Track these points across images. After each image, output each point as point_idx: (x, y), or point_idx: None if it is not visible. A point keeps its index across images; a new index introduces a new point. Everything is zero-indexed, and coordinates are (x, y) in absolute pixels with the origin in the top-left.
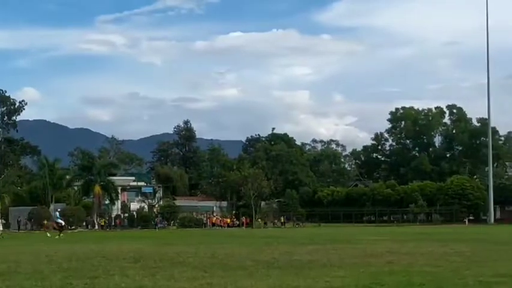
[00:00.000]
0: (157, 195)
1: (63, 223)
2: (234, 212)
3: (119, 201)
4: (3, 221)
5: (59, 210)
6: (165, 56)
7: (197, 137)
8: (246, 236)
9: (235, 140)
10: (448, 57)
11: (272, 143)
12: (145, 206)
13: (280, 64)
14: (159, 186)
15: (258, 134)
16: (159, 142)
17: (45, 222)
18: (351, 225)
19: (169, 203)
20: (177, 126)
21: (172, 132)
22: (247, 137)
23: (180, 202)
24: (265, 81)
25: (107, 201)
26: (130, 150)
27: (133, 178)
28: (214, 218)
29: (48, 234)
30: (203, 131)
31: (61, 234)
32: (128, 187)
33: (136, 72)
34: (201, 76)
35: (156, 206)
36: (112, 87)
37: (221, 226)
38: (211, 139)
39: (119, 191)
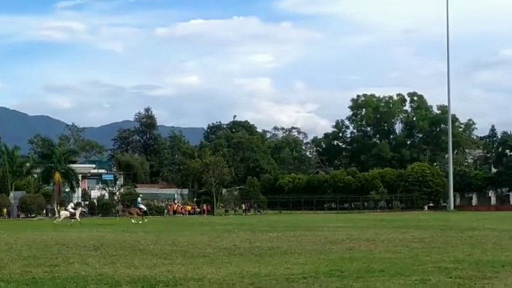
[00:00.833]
0: (118, 182)
1: (145, 208)
2: (195, 199)
3: (80, 189)
4: None
5: (140, 196)
6: (126, 43)
7: (158, 124)
8: (207, 223)
9: (197, 127)
10: (407, 45)
11: (233, 130)
12: (106, 194)
13: (241, 51)
14: (119, 174)
15: (219, 122)
16: (119, 129)
17: (130, 208)
18: (312, 212)
19: (130, 191)
20: (138, 113)
21: (133, 119)
22: (209, 125)
23: (141, 190)
24: (226, 69)
25: (67, 189)
26: (91, 137)
27: (94, 166)
28: (176, 206)
29: (133, 221)
30: (164, 119)
31: (145, 220)
32: (89, 175)
33: (97, 59)
34: (162, 63)
35: (117, 193)
36: (72, 74)
37: (182, 213)
38: (173, 126)
39: (80, 178)
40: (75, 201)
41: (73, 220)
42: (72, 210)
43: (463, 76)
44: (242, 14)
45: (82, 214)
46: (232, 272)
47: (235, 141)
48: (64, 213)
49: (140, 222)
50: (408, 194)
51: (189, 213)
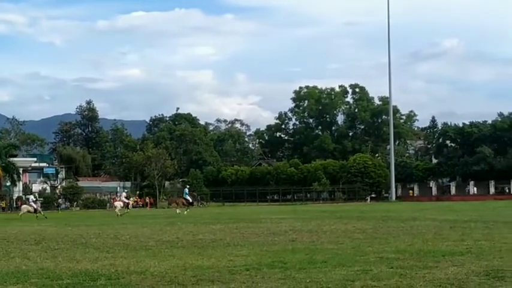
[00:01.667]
0: (59, 176)
1: (190, 199)
2: (137, 192)
3: (21, 183)
4: None
5: (188, 187)
6: (66, 35)
7: (100, 117)
8: (149, 216)
9: (139, 120)
10: (349, 37)
11: (176, 122)
12: (48, 187)
13: (183, 44)
14: (61, 167)
15: (162, 114)
16: (61, 122)
17: (177, 198)
18: (254, 204)
19: (72, 184)
20: (80, 106)
21: (74, 112)
22: (151, 117)
23: (83, 183)
24: (168, 61)
25: (8, 183)
26: (32, 131)
27: (35, 159)
28: (118, 199)
29: (178, 211)
30: (106, 111)
31: (188, 210)
32: (30, 168)
33: (37, 52)
34: (103, 56)
35: (59, 187)
36: (11, 67)
37: None
38: (115, 119)
39: (21, 172)
40: (35, 194)
41: (38, 214)
42: (34, 205)
43: (404, 67)
44: (184, 6)
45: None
46: (174, 264)
47: (177, 134)
48: (25, 207)
49: (185, 212)
50: (350, 185)
51: (132, 206)
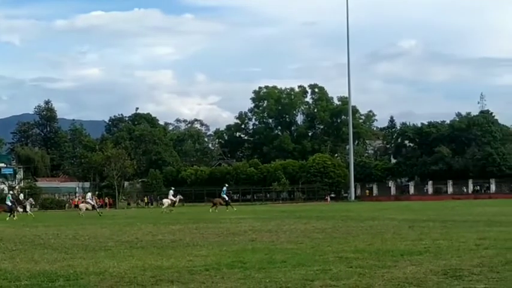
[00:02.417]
0: (17, 176)
1: (226, 198)
2: (97, 192)
3: None
4: None
5: (226, 185)
6: (24, 35)
7: (58, 117)
8: (108, 216)
9: (98, 120)
10: (308, 37)
11: (135, 123)
12: (5, 188)
13: (142, 44)
14: (19, 168)
15: (121, 114)
16: (19, 122)
17: (214, 198)
18: None
19: (30, 185)
20: (38, 106)
21: (32, 112)
22: (110, 117)
23: (41, 183)
24: (127, 61)
25: None
26: None
27: None
28: (77, 199)
29: (216, 210)
30: (65, 111)
31: (227, 210)
32: None
33: None
34: (62, 55)
35: (17, 187)
36: None
37: None
38: (73, 119)
39: None
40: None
41: (28, 213)
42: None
43: (363, 68)
44: (143, 5)
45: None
46: (134, 265)
47: (137, 134)
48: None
49: (227, 210)
50: (310, 185)
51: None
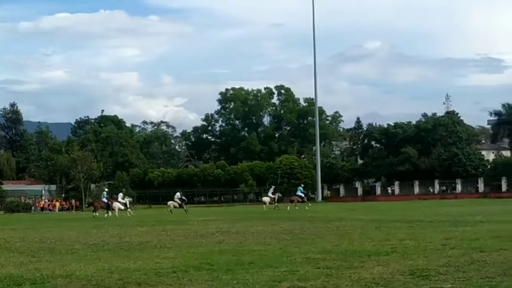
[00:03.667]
0: None
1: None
2: (63, 195)
3: None
4: None
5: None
6: None
7: (24, 119)
8: (75, 219)
9: (64, 122)
10: (275, 39)
11: (102, 125)
12: None
13: (108, 45)
14: None
15: (87, 116)
16: None
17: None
18: None
19: None
20: (3, 109)
21: None
22: (76, 119)
23: (6, 186)
24: (93, 63)
25: None
26: None
27: None
28: (43, 202)
29: (288, 208)
30: (30, 114)
31: (295, 207)
32: None
33: None
34: (27, 58)
35: None
36: None
37: (50, 210)
38: (39, 122)
39: None
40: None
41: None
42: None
43: (329, 69)
44: (108, 7)
45: None
46: (101, 268)
47: (103, 136)
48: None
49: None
50: (277, 186)
51: (58, 209)
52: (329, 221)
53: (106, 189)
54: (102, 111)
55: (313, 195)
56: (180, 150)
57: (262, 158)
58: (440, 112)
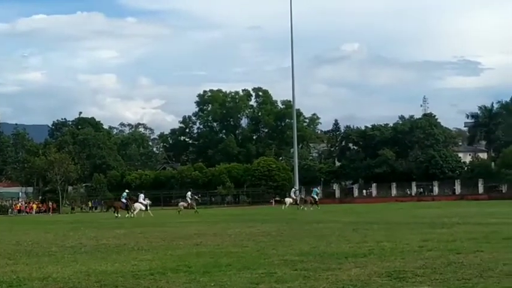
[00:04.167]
0: None
1: (317, 198)
2: (40, 197)
3: None
4: None
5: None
6: None
7: (1, 121)
8: (52, 221)
9: (41, 124)
10: (253, 41)
11: (79, 127)
12: None
13: (85, 47)
14: None
15: (65, 118)
16: None
17: (306, 197)
18: (159, 208)
19: None
20: None
21: None
22: (54, 121)
23: None
24: (70, 65)
25: None
26: None
27: None
28: (20, 204)
29: (311, 208)
30: (7, 116)
31: (311, 208)
32: None
33: None
34: (3, 59)
35: None
36: None
37: (27, 212)
38: (16, 124)
39: None
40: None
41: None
42: (144, 202)
43: (306, 71)
44: (86, 9)
45: None
46: (78, 270)
47: (80, 138)
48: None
49: (311, 209)
50: (255, 188)
51: (35, 211)
52: (307, 223)
53: (127, 191)
54: (80, 113)
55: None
56: (157, 152)
57: (240, 160)
58: (418, 114)
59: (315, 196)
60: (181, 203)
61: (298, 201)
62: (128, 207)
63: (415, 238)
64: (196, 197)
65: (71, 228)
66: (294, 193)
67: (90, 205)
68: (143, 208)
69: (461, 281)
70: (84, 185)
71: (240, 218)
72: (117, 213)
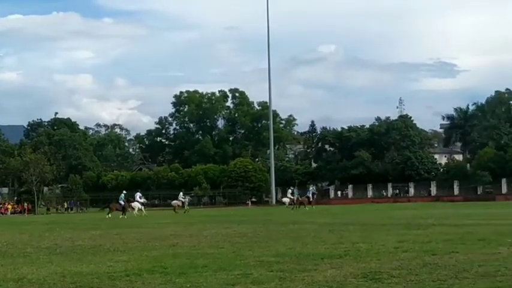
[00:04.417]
0: None
1: (294, 199)
2: (15, 198)
3: None
4: None
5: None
6: None
7: None
8: (27, 222)
9: (16, 124)
10: (229, 42)
11: (55, 127)
12: None
13: (61, 47)
14: None
15: (40, 119)
16: None
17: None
18: None
19: None
20: None
21: None
22: (29, 122)
23: None
24: (46, 65)
25: None
26: None
27: None
28: None
29: (307, 208)
30: None
31: (307, 208)
32: None
33: None
34: None
35: None
36: None
37: (2, 213)
38: None
39: None
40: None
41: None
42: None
43: (283, 72)
44: (62, 9)
45: None
46: (53, 271)
47: (56, 139)
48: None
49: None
50: (231, 189)
51: (10, 212)
52: (283, 224)
53: (124, 192)
54: (56, 113)
55: (267, 199)
56: (133, 153)
57: (216, 161)
58: (394, 116)
59: (310, 196)
60: (175, 201)
61: (294, 201)
62: (124, 209)
63: (390, 239)
64: (189, 197)
65: (47, 229)
66: (291, 193)
67: (65, 206)
68: (141, 207)
69: (436, 282)
70: (59, 185)
71: (216, 219)
72: (109, 214)
